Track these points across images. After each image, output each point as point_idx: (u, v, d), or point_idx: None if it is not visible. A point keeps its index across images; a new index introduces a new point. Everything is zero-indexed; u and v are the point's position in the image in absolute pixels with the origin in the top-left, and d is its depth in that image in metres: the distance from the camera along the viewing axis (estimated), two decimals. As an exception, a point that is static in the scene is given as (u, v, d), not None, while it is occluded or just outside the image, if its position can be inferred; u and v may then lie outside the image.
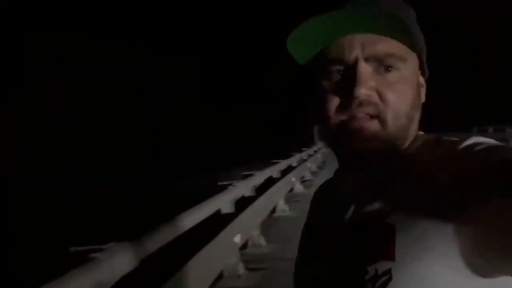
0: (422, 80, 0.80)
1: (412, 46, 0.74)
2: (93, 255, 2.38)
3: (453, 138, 0.73)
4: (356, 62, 0.71)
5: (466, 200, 0.61)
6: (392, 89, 0.72)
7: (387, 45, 0.72)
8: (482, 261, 0.61)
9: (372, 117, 0.71)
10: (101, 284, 2.34)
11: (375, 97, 0.71)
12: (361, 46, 0.72)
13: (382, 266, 0.66)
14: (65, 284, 2.15)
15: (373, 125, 0.72)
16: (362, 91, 0.70)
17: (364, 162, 0.75)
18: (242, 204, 6.31)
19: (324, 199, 0.89)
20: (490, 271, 0.62)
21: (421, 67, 0.78)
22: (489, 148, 0.65)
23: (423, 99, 0.79)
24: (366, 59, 0.71)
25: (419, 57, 0.77)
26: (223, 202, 5.89)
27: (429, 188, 0.66)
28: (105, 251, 2.49)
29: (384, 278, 0.65)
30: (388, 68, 0.72)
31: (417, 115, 0.77)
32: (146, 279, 3.09)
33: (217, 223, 5.11)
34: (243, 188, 7.36)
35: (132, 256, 2.72)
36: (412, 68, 0.75)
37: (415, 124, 0.77)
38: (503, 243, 0.58)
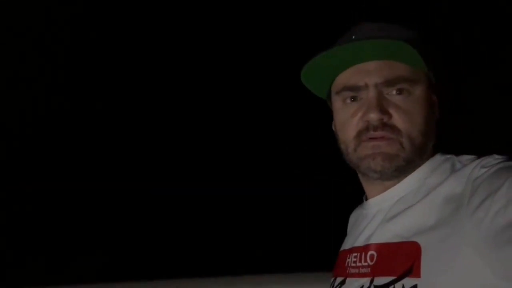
0: (434, 97, 0.80)
1: (422, 67, 0.76)
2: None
3: (471, 156, 0.75)
4: (366, 88, 0.76)
5: (486, 218, 0.63)
6: (403, 110, 0.75)
7: (394, 70, 0.75)
8: (505, 275, 0.62)
9: (389, 138, 0.75)
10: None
11: (388, 120, 0.75)
12: (370, 73, 0.76)
13: (409, 282, 0.68)
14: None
15: (391, 146, 0.75)
16: (372, 116, 0.74)
17: (383, 183, 0.80)
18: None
19: (355, 221, 0.91)
20: None
21: (435, 85, 0.80)
22: (509, 166, 0.67)
23: (436, 115, 0.81)
24: (376, 85, 0.75)
25: (430, 75, 0.79)
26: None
27: (449, 207, 0.69)
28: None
29: None
30: (398, 91, 0.75)
31: (432, 133, 0.79)
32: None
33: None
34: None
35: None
36: (423, 88, 0.77)
37: (431, 142, 0.79)
38: None
